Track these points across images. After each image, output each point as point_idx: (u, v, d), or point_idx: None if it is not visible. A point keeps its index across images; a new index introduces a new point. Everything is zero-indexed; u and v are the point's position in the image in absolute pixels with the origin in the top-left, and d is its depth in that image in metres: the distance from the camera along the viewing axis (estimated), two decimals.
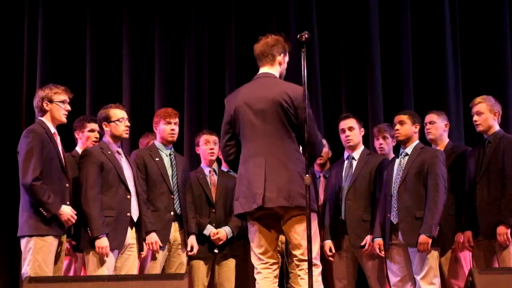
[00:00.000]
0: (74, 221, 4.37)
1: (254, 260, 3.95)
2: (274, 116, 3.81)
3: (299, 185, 3.74)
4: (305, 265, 3.73)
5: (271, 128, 3.81)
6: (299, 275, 3.83)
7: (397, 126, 4.97)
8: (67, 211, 4.33)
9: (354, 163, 5.14)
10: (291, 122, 3.82)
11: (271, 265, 3.90)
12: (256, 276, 3.92)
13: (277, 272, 3.93)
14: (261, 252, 3.89)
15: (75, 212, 4.39)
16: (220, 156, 5.49)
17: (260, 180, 3.77)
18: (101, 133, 4.86)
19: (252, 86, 3.97)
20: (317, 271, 3.81)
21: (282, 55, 4.00)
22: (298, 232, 3.80)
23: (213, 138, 5.34)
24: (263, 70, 4.00)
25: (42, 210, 4.26)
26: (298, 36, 3.68)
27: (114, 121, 4.72)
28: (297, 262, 3.86)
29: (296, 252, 3.84)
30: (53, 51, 6.78)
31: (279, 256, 4.01)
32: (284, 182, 3.75)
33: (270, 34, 4.05)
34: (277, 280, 3.93)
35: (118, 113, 4.74)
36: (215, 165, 5.39)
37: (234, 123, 3.94)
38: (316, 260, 3.83)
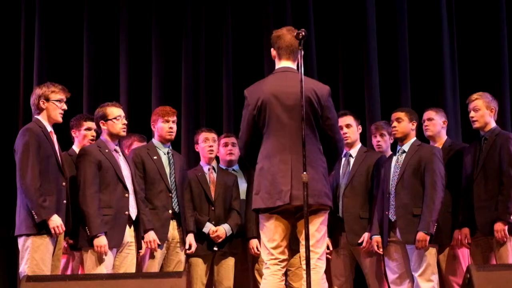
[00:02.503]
0: (61, 232, 4.34)
1: (264, 254, 3.90)
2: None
3: (323, 184, 3.78)
4: (313, 258, 3.69)
5: (298, 124, 3.75)
6: (304, 269, 3.80)
7: (394, 124, 4.98)
8: (57, 220, 4.31)
9: (352, 160, 5.14)
10: (317, 120, 3.82)
11: (280, 261, 3.85)
12: (264, 270, 3.88)
13: (285, 270, 3.90)
14: (273, 247, 3.85)
15: (64, 229, 4.37)
16: (218, 154, 5.51)
17: (286, 176, 3.75)
18: (98, 131, 4.85)
19: (278, 79, 3.90)
20: (323, 268, 3.82)
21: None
22: (314, 222, 3.78)
23: (212, 135, 5.34)
24: (286, 64, 3.93)
25: (34, 213, 4.26)
26: (295, 33, 3.67)
27: (111, 119, 4.71)
28: (303, 254, 3.82)
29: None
30: (50, 50, 6.75)
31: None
32: (309, 180, 3.70)
33: (292, 27, 3.96)
34: (284, 278, 3.90)
35: (115, 111, 4.73)
36: (214, 163, 5.38)
37: (258, 115, 3.87)
38: (323, 257, 3.84)
